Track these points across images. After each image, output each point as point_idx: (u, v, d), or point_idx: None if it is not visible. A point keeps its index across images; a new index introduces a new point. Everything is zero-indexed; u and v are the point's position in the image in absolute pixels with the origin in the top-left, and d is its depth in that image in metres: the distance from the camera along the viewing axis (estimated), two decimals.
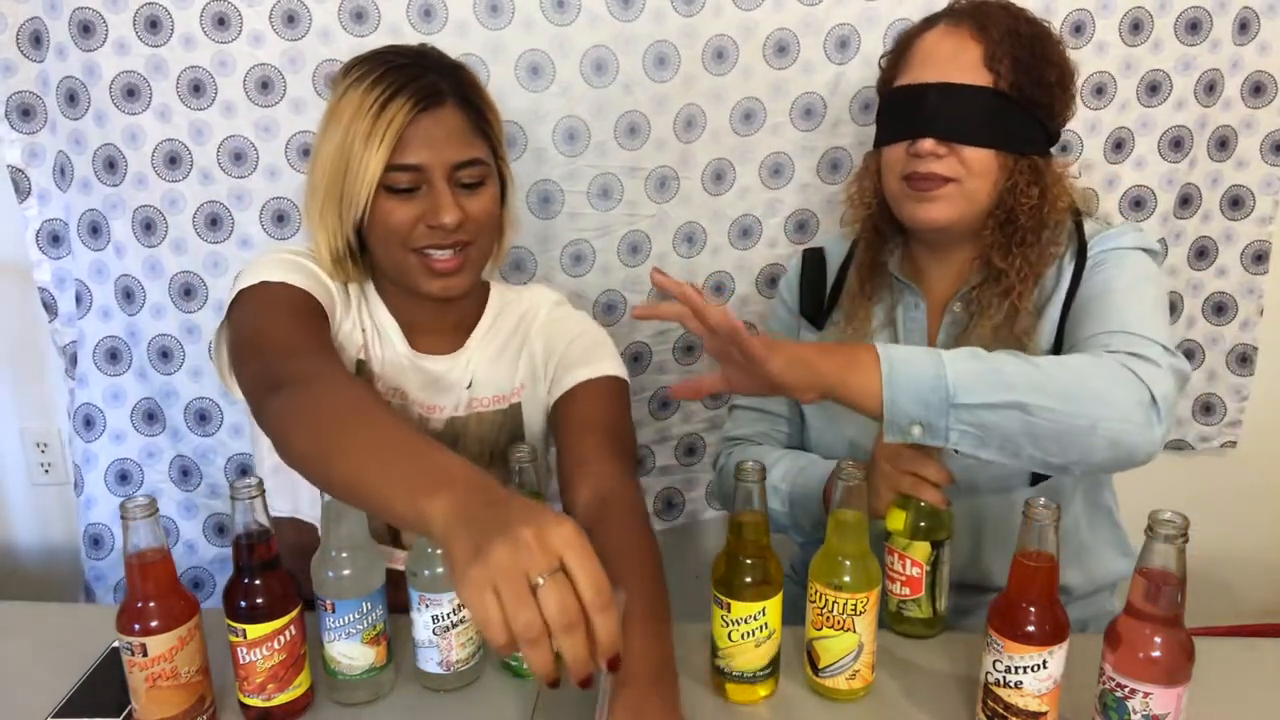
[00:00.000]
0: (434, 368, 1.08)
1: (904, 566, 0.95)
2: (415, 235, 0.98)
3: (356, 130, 0.95)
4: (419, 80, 0.96)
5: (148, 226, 1.39)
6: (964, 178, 1.01)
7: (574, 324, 1.13)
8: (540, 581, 0.59)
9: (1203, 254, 1.54)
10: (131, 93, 1.33)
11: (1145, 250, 1.04)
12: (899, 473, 0.93)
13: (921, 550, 0.94)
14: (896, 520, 0.94)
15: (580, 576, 0.60)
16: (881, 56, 1.13)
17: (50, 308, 1.45)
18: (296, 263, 1.00)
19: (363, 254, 1.04)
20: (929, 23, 1.06)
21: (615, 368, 1.08)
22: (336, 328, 1.02)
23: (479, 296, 1.13)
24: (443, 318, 1.08)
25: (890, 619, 0.97)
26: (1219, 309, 1.57)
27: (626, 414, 1.08)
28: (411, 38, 1.32)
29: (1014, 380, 0.85)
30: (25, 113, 1.36)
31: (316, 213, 1.00)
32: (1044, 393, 0.84)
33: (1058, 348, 1.02)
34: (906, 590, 0.95)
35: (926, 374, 0.84)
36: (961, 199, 1.02)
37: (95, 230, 1.40)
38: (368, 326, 1.06)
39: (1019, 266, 1.02)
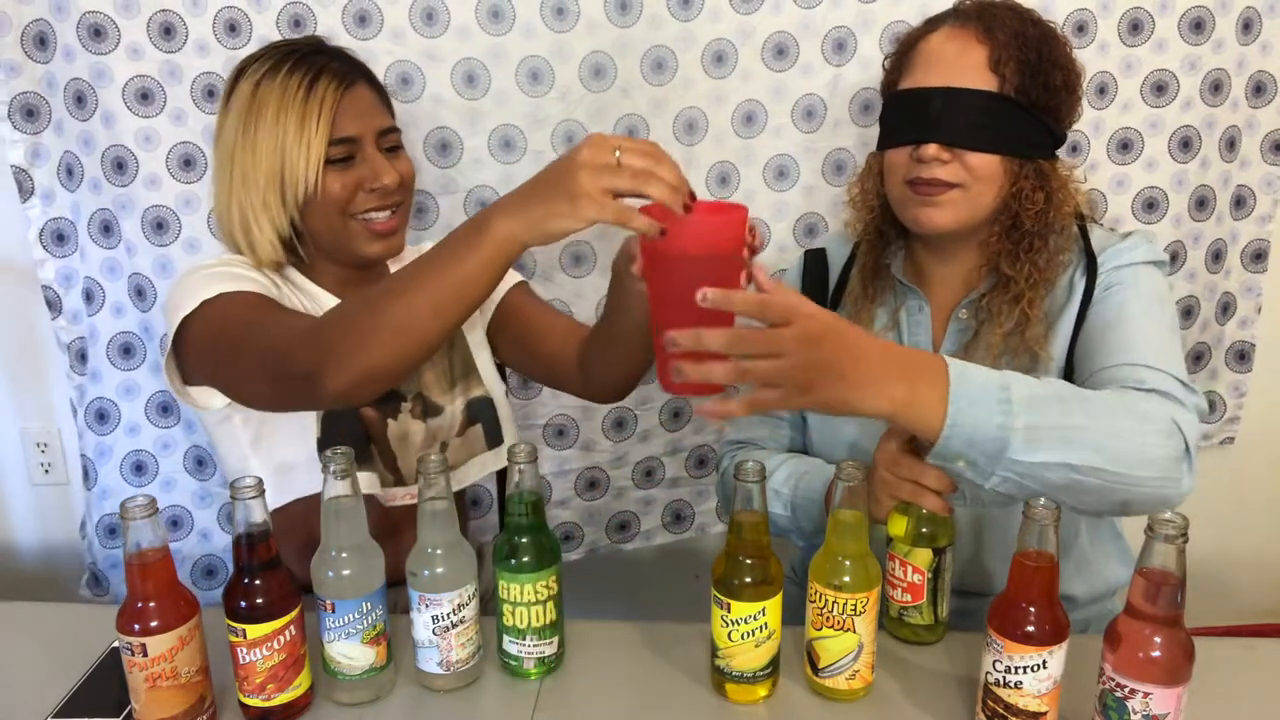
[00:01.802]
0: None
1: (905, 573, 0.94)
2: (357, 202, 1.05)
3: (289, 117, 1.01)
4: (330, 64, 1.05)
5: (159, 226, 1.40)
6: (968, 183, 1.01)
7: None
8: (618, 155, 0.76)
9: (1218, 257, 1.54)
10: (145, 96, 1.34)
11: (1156, 263, 1.04)
12: (899, 480, 0.91)
13: (923, 557, 0.93)
14: (898, 527, 0.93)
15: (631, 143, 0.78)
16: (885, 58, 1.13)
17: (54, 305, 1.46)
18: (233, 273, 1.03)
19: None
20: (933, 24, 1.05)
21: (513, 274, 1.22)
22: None
23: None
24: (367, 281, 1.13)
25: (891, 625, 0.97)
26: (1224, 309, 1.58)
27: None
28: (414, 42, 1.34)
29: (1074, 437, 0.82)
30: (29, 113, 1.37)
31: (256, 203, 1.04)
32: (1098, 451, 0.82)
33: (1070, 362, 1.02)
34: (908, 597, 0.95)
35: (991, 423, 0.79)
36: (965, 204, 1.02)
37: (107, 229, 1.41)
38: (303, 304, 1.09)
39: (1028, 273, 1.02)
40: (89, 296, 1.45)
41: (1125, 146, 1.46)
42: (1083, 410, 0.84)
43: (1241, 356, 1.60)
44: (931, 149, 1.00)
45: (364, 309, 0.86)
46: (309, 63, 1.03)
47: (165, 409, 1.50)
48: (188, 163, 1.37)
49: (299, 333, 0.91)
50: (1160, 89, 1.43)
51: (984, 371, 0.83)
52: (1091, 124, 1.44)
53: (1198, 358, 1.60)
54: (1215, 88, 1.44)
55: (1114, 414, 0.85)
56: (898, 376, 0.79)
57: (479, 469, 1.17)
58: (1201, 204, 1.50)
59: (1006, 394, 0.81)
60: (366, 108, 1.06)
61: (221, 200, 1.07)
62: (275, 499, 1.03)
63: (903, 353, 0.84)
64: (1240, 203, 1.52)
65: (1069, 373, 1.02)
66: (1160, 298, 1.02)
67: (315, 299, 1.11)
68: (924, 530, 0.93)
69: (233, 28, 1.32)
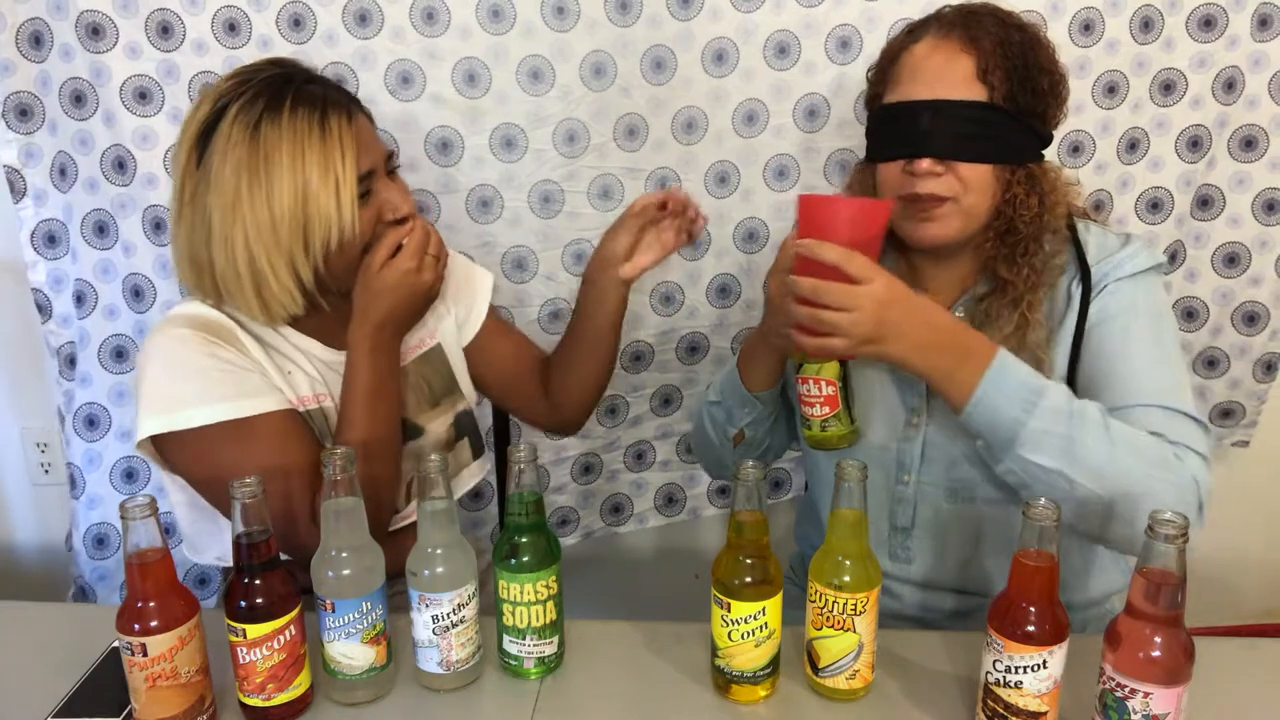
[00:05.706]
0: None
1: (820, 389, 0.98)
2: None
3: (308, 159, 0.94)
4: (325, 95, 0.98)
5: (158, 226, 1.40)
6: (961, 195, 1.00)
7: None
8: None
9: (1233, 261, 1.52)
10: (144, 96, 1.34)
11: (1155, 269, 1.03)
12: (801, 306, 0.95)
13: (832, 370, 0.98)
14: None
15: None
16: (869, 70, 1.11)
17: (44, 309, 1.44)
18: (237, 384, 0.97)
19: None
20: (915, 34, 1.03)
21: (487, 283, 1.25)
22: (284, 383, 1.03)
23: None
24: (345, 313, 1.05)
25: (815, 440, 1.01)
26: (1250, 319, 1.54)
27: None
28: (414, 42, 1.34)
29: (1079, 454, 0.90)
30: (23, 113, 1.36)
31: (275, 255, 0.96)
32: (1098, 478, 0.90)
33: (1071, 376, 1.02)
34: (827, 409, 0.99)
35: (1008, 415, 0.91)
36: (960, 216, 1.01)
37: (102, 230, 1.41)
38: (290, 358, 1.06)
39: (1026, 276, 1.01)
40: (79, 299, 1.44)
41: (1133, 146, 1.45)
42: (1098, 436, 0.90)
43: (1269, 368, 1.57)
44: (925, 164, 0.99)
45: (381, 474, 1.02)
46: (308, 96, 0.96)
47: None
48: None
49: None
50: (1168, 87, 1.42)
51: (1028, 371, 0.93)
52: (1101, 124, 1.43)
53: (1211, 363, 1.57)
54: (1229, 86, 1.42)
55: (1131, 452, 0.91)
56: (948, 349, 0.92)
57: (468, 480, 1.20)
58: (1205, 203, 1.49)
59: (1037, 398, 0.90)
60: (371, 138, 1.02)
61: (219, 257, 0.96)
62: None
63: (962, 331, 0.94)
64: (1272, 207, 1.48)
65: (1071, 388, 1.01)
66: (1161, 313, 1.03)
67: (309, 353, 1.07)
68: None
69: (232, 27, 1.32)
